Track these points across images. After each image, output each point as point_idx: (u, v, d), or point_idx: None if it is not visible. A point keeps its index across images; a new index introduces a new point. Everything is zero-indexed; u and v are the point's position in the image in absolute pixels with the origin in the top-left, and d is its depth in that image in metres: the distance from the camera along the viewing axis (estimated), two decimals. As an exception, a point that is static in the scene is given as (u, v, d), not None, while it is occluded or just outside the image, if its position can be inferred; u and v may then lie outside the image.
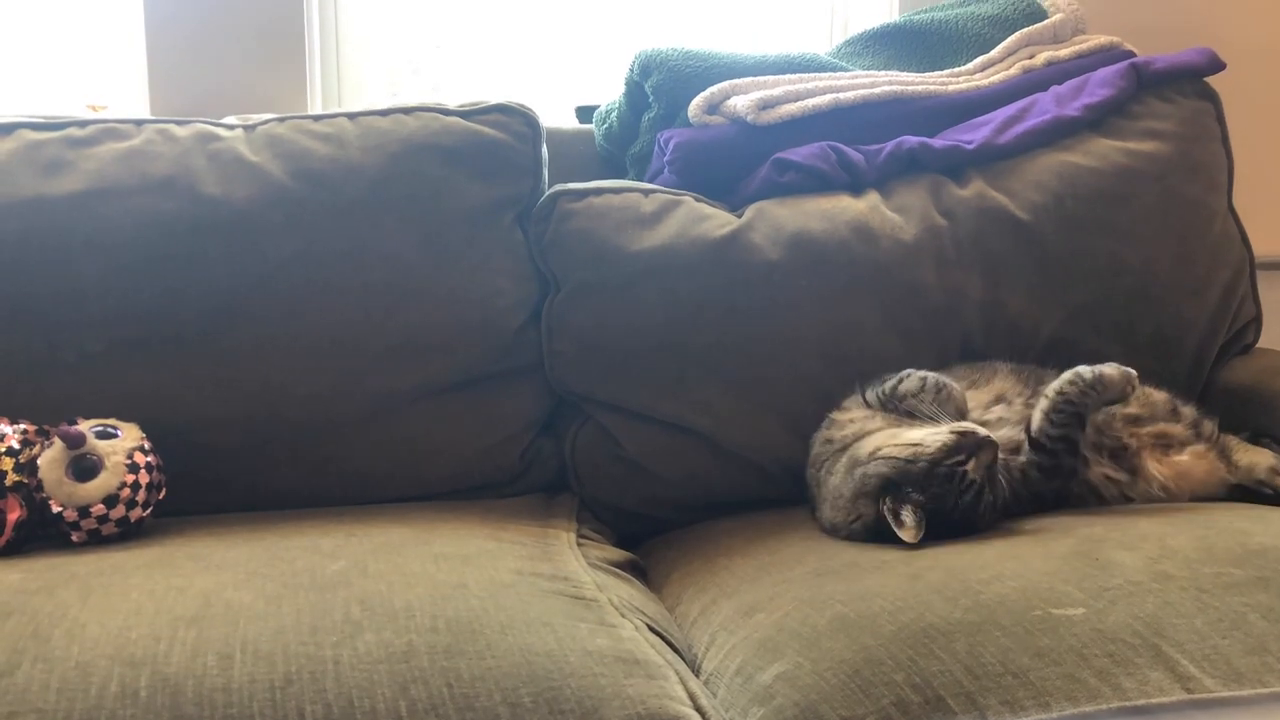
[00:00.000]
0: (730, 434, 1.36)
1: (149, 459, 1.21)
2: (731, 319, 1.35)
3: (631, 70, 1.54)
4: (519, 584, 1.04)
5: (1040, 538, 1.13)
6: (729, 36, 1.86)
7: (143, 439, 1.22)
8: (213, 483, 1.32)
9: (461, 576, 1.03)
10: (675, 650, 1.02)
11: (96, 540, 1.17)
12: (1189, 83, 1.51)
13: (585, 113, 1.68)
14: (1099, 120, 1.47)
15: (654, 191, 1.42)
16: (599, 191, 1.41)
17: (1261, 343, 1.53)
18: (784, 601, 1.05)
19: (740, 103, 1.46)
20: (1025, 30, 1.60)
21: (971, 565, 1.05)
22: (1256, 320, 1.52)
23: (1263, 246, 1.54)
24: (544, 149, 1.45)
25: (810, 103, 1.47)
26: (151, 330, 1.31)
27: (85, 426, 1.21)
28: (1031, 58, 1.58)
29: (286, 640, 0.89)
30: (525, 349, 1.41)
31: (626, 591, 1.11)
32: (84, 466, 1.17)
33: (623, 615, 1.02)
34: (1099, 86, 1.48)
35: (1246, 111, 1.57)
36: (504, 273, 1.40)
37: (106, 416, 1.23)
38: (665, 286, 1.35)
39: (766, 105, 1.46)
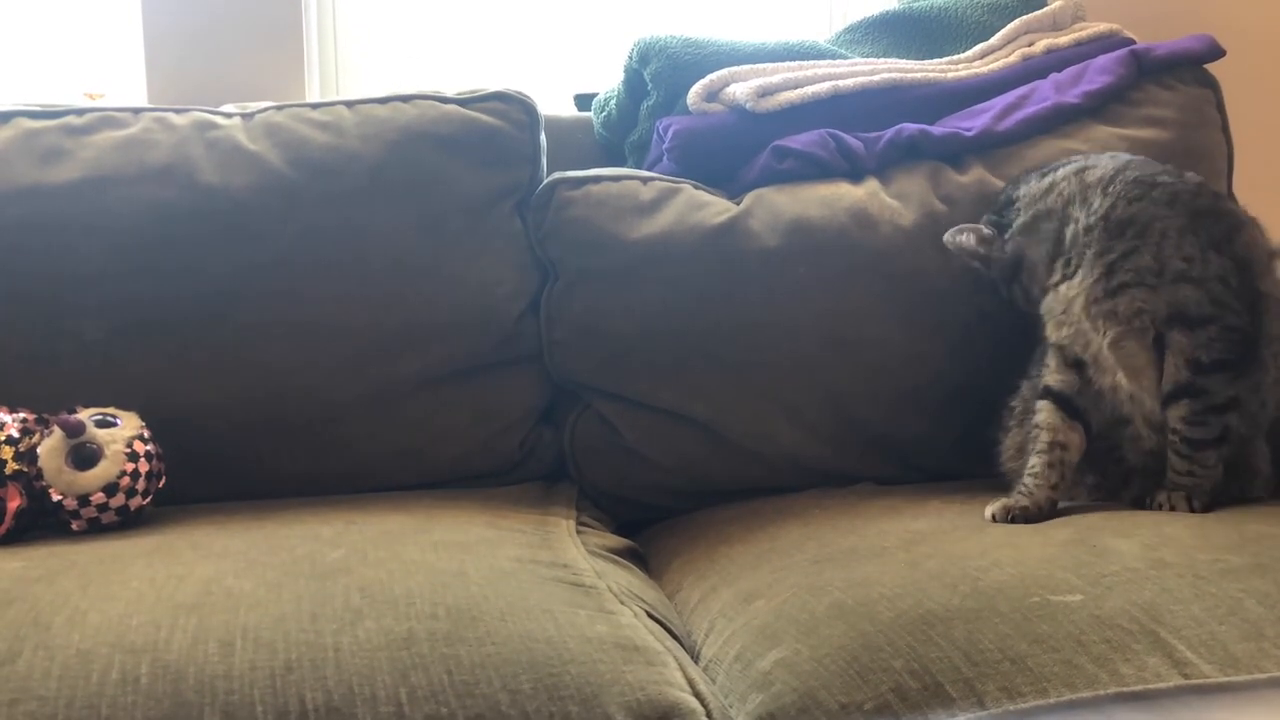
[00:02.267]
0: (729, 421, 1.36)
1: (149, 447, 1.21)
2: (730, 306, 1.35)
3: (630, 58, 1.54)
4: (519, 571, 1.04)
5: (1038, 526, 1.14)
6: (727, 24, 1.86)
7: (142, 427, 1.22)
8: (212, 471, 1.32)
9: (461, 564, 1.03)
10: (675, 637, 1.03)
11: (96, 529, 1.18)
12: (1189, 70, 1.51)
13: (584, 100, 1.67)
14: (1099, 107, 1.46)
15: (652, 179, 1.42)
16: (597, 179, 1.41)
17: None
18: (783, 588, 1.05)
19: (739, 90, 1.45)
20: (1025, 18, 1.60)
21: (970, 553, 1.05)
22: (1255, 307, 1.51)
23: (1262, 234, 1.54)
24: (542, 137, 1.45)
25: (809, 90, 1.47)
26: (150, 318, 1.31)
27: (85, 415, 1.21)
28: (1031, 45, 1.57)
29: (287, 627, 0.89)
30: (524, 337, 1.41)
31: (626, 579, 1.11)
32: (84, 455, 1.18)
33: (622, 602, 1.02)
34: (1099, 74, 1.48)
35: (1246, 99, 1.57)
36: (503, 261, 1.40)
37: (106, 405, 1.23)
38: (664, 274, 1.35)
39: (765, 93, 1.46)
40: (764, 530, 1.23)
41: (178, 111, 1.41)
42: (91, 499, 1.17)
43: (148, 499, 1.21)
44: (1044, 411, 1.21)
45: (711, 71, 1.49)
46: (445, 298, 1.37)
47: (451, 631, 0.90)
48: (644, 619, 1.00)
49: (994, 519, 1.17)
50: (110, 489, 1.17)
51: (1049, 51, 1.55)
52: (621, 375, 1.38)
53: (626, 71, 1.55)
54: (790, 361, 1.35)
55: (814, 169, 1.42)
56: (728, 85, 1.47)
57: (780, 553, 1.15)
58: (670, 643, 0.98)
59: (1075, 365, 1.20)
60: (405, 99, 1.43)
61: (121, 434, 1.20)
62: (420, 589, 0.96)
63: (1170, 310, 1.15)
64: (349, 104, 1.43)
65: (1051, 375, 1.21)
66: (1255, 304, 1.17)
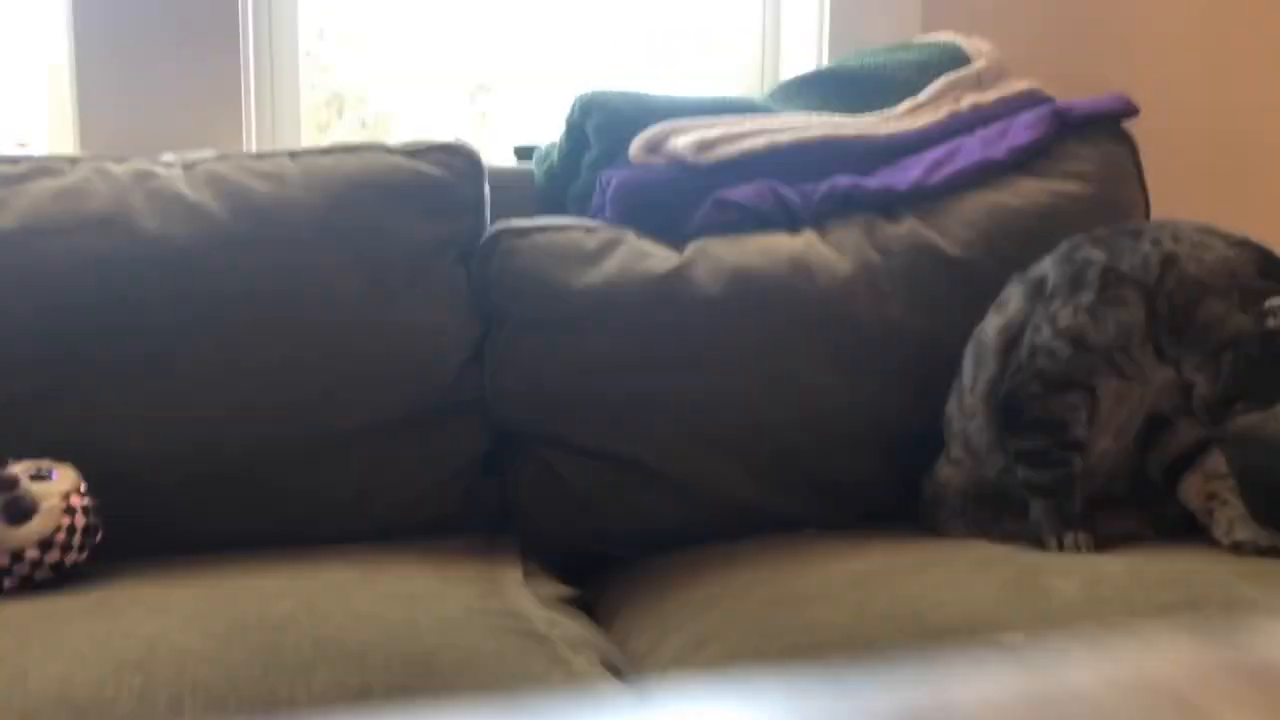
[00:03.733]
0: (675, 468, 1.37)
1: (85, 501, 1.18)
2: (674, 354, 1.37)
3: (572, 112, 1.56)
4: (470, 621, 1.03)
5: (980, 565, 1.16)
6: (665, 80, 1.90)
7: (79, 481, 1.19)
8: (150, 525, 1.29)
9: (412, 615, 1.02)
10: (628, 684, 1.03)
11: (29, 587, 1.14)
12: (1106, 126, 1.58)
13: (523, 152, 1.69)
14: (1023, 162, 1.52)
15: (596, 229, 1.44)
16: (542, 229, 1.43)
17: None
18: (734, 633, 1.06)
19: (680, 143, 1.49)
20: (951, 76, 1.65)
21: (914, 593, 1.08)
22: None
23: (1177, 283, 1.60)
24: (486, 187, 1.46)
25: (747, 144, 1.50)
26: (87, 371, 1.29)
27: (19, 469, 1.17)
28: (957, 102, 1.63)
29: (238, 682, 0.88)
30: (467, 386, 1.41)
31: (577, 627, 1.11)
32: (17, 510, 1.14)
33: (575, 650, 1.02)
34: (1023, 130, 1.54)
35: (1157, 153, 1.64)
36: (446, 310, 1.40)
37: (41, 458, 1.21)
38: (608, 322, 1.37)
39: (705, 146, 1.49)
40: (712, 576, 1.23)
41: (116, 161, 1.40)
42: (25, 555, 1.13)
43: (84, 554, 1.18)
44: (1078, 464, 1.24)
45: (652, 125, 1.52)
46: (388, 346, 1.37)
47: (407, 683, 0.90)
48: (598, 667, 1.00)
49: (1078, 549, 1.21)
50: (46, 545, 1.14)
51: (975, 108, 1.61)
52: (566, 423, 1.39)
53: (568, 124, 1.57)
54: (734, 407, 1.37)
55: (754, 220, 1.45)
56: (668, 139, 1.50)
57: (730, 597, 1.15)
58: (625, 690, 0.98)
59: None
60: (349, 149, 1.43)
61: (57, 488, 1.17)
62: (373, 640, 0.95)
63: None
64: (292, 154, 1.42)
65: (1081, 429, 1.24)
66: None
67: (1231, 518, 1.20)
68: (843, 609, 1.06)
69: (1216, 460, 1.24)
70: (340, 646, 0.93)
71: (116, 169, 1.38)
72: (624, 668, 1.07)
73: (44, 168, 1.37)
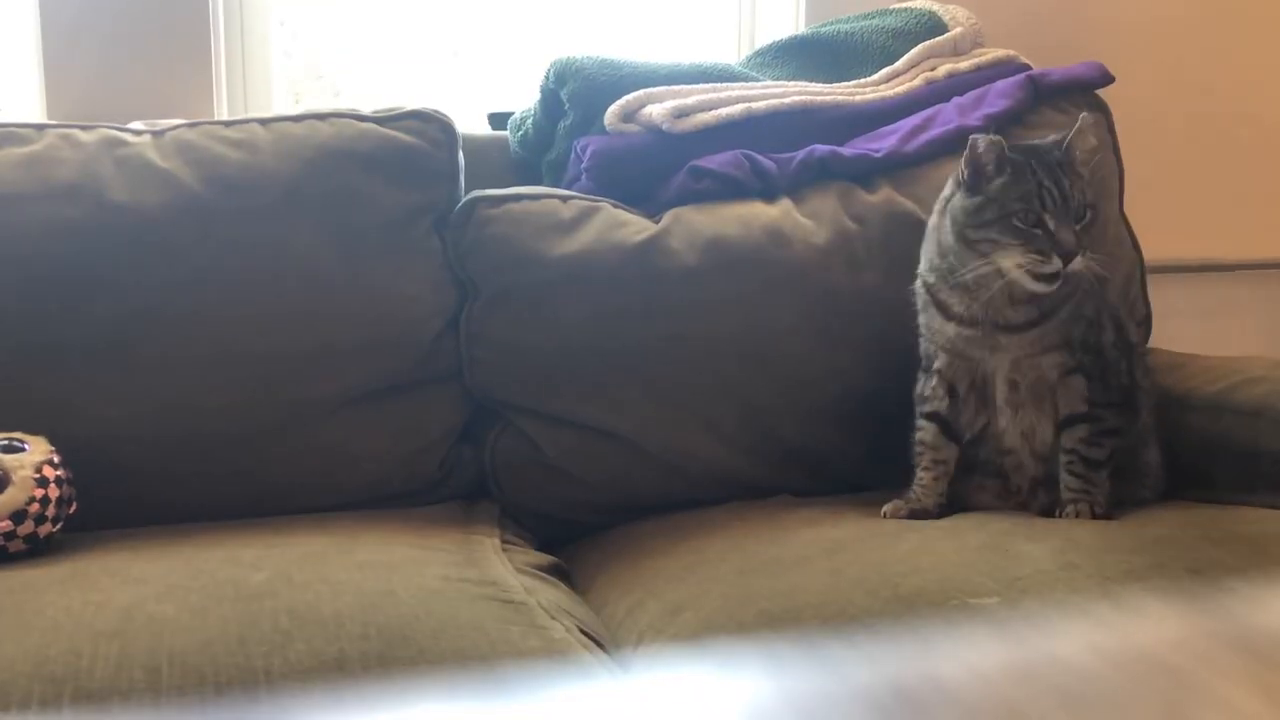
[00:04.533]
0: (651, 437, 1.38)
1: (59, 472, 1.18)
2: (650, 323, 1.37)
3: (547, 78, 1.55)
4: (447, 590, 1.04)
5: (952, 532, 1.18)
6: (640, 46, 1.88)
7: (52, 452, 1.18)
8: (125, 496, 1.29)
9: (389, 584, 1.03)
10: (605, 651, 1.03)
11: (4, 558, 1.13)
12: (1081, 95, 1.58)
13: (498, 119, 1.68)
14: (999, 130, 1.52)
15: (572, 198, 1.43)
16: (517, 198, 1.42)
17: (1150, 342, 1.61)
18: (710, 599, 1.07)
19: (656, 111, 1.48)
20: (927, 43, 1.65)
21: (889, 559, 1.08)
22: (1147, 319, 1.59)
23: (1150, 251, 1.62)
24: (460, 155, 1.45)
25: (723, 111, 1.50)
26: (58, 341, 1.27)
27: (-11, 440, 1.17)
28: (933, 69, 1.63)
29: (215, 651, 0.88)
30: (443, 356, 1.41)
31: (554, 595, 1.12)
32: (-11, 481, 1.14)
33: (553, 617, 1.02)
34: (999, 98, 1.54)
35: (1132, 123, 1.65)
36: (421, 279, 1.40)
37: (12, 429, 1.19)
38: (584, 292, 1.37)
39: (681, 114, 1.48)
40: (687, 543, 1.24)
41: (84, 128, 1.38)
42: (-2, 527, 1.13)
43: (58, 525, 1.17)
44: (927, 431, 1.30)
45: (627, 92, 1.51)
46: (362, 316, 1.36)
47: (384, 652, 0.90)
48: (575, 634, 1.01)
49: (886, 515, 1.27)
50: (18, 516, 1.13)
51: (951, 76, 1.61)
52: (543, 392, 1.39)
53: (543, 91, 1.56)
54: (710, 376, 1.38)
55: (730, 189, 1.45)
56: (644, 106, 1.50)
57: (705, 564, 1.16)
58: (602, 656, 0.99)
59: (953, 393, 1.29)
60: (321, 117, 1.42)
61: (30, 459, 1.16)
62: (349, 610, 0.95)
63: (1075, 365, 1.25)
64: (263, 122, 1.41)
65: (939, 402, 1.29)
66: (1129, 354, 1.31)
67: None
68: (818, 575, 1.07)
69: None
70: (317, 616, 0.94)
71: (84, 137, 1.36)
72: (601, 635, 1.08)
73: (10, 135, 1.35)
